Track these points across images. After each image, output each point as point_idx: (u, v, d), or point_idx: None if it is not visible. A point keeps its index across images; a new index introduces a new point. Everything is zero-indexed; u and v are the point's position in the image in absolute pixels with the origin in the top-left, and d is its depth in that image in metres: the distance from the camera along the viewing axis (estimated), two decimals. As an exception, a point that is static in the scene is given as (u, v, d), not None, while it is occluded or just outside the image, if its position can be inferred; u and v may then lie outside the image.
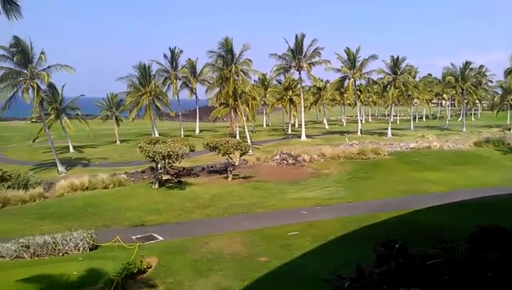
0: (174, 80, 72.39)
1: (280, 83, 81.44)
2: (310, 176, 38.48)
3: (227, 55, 52.44)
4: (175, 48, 71.68)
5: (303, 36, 59.68)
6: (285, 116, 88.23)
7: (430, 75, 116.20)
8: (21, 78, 40.63)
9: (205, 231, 21.96)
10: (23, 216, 26.13)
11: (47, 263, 17.46)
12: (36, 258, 18.19)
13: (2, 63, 39.71)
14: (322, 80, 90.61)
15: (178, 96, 74.54)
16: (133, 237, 20.89)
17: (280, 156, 44.28)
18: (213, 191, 31.80)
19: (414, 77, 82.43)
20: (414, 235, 17.73)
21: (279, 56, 60.35)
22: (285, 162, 42.59)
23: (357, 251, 16.57)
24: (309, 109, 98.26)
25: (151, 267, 16.77)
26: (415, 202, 27.23)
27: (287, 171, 40.04)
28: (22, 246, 18.22)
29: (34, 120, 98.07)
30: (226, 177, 36.16)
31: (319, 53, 60.25)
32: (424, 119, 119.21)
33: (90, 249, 19.14)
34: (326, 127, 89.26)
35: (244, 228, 22.32)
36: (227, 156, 36.40)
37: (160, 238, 21.16)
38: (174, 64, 72.11)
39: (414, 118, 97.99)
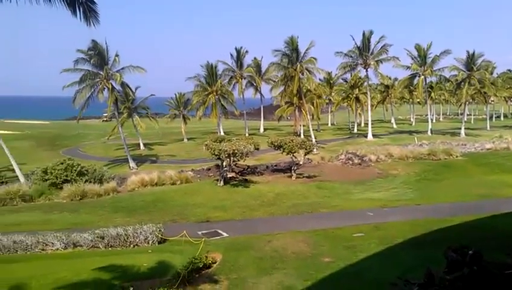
0: (240, 79, 73.35)
1: (346, 81, 79.95)
2: (376, 176, 37.40)
3: (292, 53, 52.46)
4: (241, 47, 72.57)
5: (370, 33, 58.39)
6: (350, 115, 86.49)
7: (510, 71, 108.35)
8: (97, 79, 43.21)
9: (269, 229, 22.05)
10: (98, 209, 27.78)
11: (119, 253, 18.43)
12: (110, 248, 19.25)
13: (81, 65, 42.50)
14: (390, 78, 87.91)
15: (243, 95, 75.51)
16: (199, 233, 21.43)
17: (345, 155, 43.53)
18: (277, 190, 31.88)
19: (491, 73, 77.51)
20: (489, 241, 16.67)
21: (345, 54, 59.41)
22: (350, 162, 41.77)
23: (426, 256, 15.88)
24: (376, 107, 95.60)
25: (215, 262, 17.09)
26: (491, 207, 25.43)
27: (352, 171, 39.24)
28: (98, 236, 19.40)
29: (104, 119, 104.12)
30: (290, 176, 36.10)
31: (387, 50, 58.64)
32: (501, 118, 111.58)
33: (159, 243, 19.86)
34: (394, 126, 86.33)
35: (308, 227, 22.14)
36: (291, 155, 36.31)
37: (225, 234, 21.55)
38: (240, 64, 73.04)
39: (491, 117, 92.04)
